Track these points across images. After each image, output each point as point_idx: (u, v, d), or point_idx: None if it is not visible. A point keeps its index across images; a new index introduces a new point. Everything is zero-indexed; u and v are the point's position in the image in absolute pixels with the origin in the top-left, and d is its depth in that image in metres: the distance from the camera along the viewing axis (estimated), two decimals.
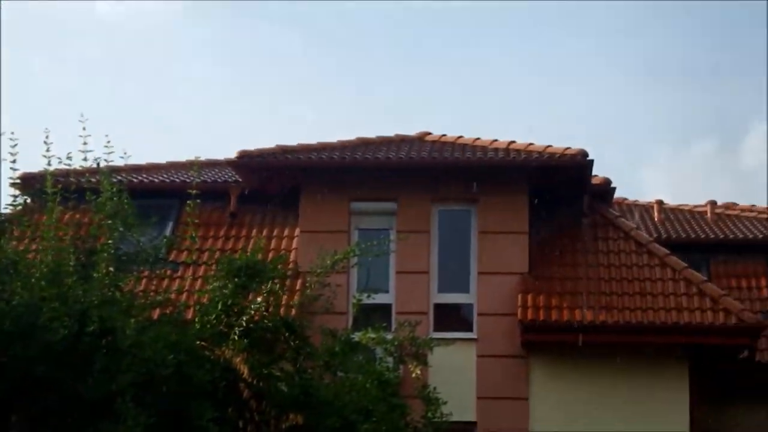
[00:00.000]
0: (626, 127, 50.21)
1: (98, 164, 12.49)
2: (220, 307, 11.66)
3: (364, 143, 20.30)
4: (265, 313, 11.82)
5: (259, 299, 11.86)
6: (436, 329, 18.56)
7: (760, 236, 23.55)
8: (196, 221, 13.14)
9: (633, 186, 49.30)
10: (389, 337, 14.44)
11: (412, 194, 19.18)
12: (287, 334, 11.96)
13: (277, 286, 12.20)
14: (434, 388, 14.13)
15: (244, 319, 11.59)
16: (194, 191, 12.66)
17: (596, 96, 49.56)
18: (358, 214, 19.33)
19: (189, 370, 10.51)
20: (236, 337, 11.43)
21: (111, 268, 11.34)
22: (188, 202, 12.65)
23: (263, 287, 11.96)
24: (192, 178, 13.71)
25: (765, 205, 25.40)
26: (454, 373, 17.83)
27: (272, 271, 12.16)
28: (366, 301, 13.97)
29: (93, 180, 12.75)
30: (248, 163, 19.37)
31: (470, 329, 18.86)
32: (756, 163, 50.84)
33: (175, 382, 10.47)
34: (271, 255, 17.69)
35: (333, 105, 50.79)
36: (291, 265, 18.45)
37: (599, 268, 19.12)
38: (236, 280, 11.80)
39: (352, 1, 49.28)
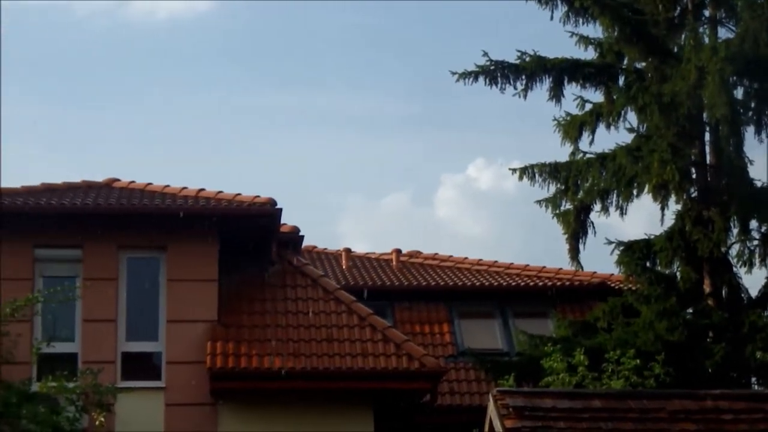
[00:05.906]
0: (322, 177, 51.15)
1: None
2: None
3: (48, 189, 19.86)
4: None
5: None
6: (124, 378, 18.34)
7: (442, 283, 24.46)
8: None
9: (330, 236, 50.10)
10: (71, 385, 14.16)
11: (99, 241, 18.87)
12: None
13: None
14: None
15: None
16: None
17: (294, 145, 50.26)
18: (42, 261, 18.82)
19: None
20: None
21: None
22: None
23: None
24: None
25: (447, 254, 26.40)
26: (142, 422, 17.85)
27: None
28: (47, 349, 13.67)
29: None
30: None
31: (159, 378, 18.69)
32: (445, 214, 52.85)
33: None
34: None
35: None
36: None
37: (287, 315, 19.37)
38: None
39: None
